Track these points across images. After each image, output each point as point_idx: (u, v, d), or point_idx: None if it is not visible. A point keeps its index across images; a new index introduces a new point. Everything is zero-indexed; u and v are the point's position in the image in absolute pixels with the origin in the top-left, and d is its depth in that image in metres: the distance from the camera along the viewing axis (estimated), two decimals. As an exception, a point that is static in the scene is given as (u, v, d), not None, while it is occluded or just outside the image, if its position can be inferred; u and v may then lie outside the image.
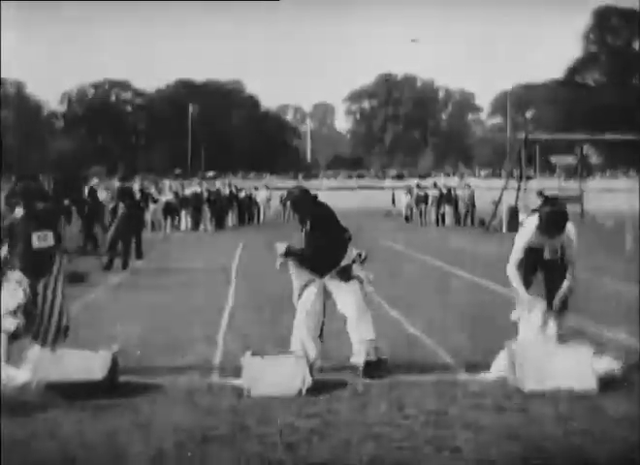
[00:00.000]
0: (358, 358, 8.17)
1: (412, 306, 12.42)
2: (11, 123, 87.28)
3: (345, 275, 8.30)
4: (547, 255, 8.28)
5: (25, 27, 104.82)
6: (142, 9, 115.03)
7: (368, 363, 8.09)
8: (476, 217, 36.82)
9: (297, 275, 8.44)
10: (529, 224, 8.31)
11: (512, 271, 8.25)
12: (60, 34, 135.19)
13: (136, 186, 22.22)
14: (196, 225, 34.65)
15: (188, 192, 36.28)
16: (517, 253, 8.29)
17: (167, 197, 35.32)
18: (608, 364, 7.76)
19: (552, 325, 8.20)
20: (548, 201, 8.33)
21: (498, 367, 8.01)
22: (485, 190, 43.02)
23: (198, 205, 35.06)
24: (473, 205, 37.72)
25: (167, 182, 48.90)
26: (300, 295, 8.36)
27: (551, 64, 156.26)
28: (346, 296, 8.27)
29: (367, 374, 8.03)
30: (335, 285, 8.31)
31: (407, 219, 40.64)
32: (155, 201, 33.56)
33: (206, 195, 35.89)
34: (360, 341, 8.19)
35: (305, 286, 8.34)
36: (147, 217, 30.67)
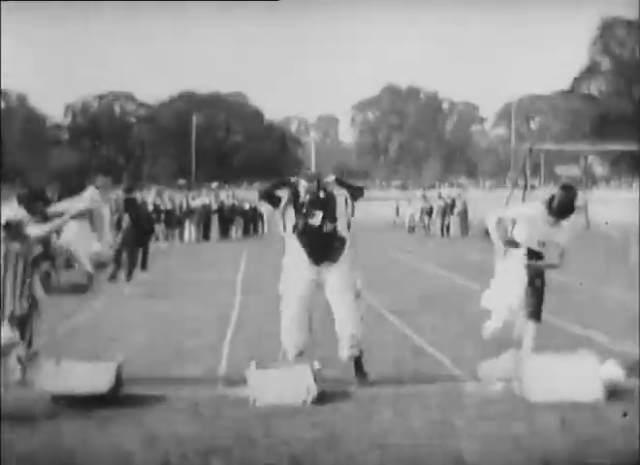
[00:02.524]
0: (342, 353, 8.24)
1: (417, 316, 12.42)
2: (14, 135, 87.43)
3: (336, 255, 8.32)
4: (536, 246, 8.53)
5: (28, 41, 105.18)
6: (144, 21, 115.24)
7: (352, 358, 8.22)
8: (470, 228, 37.02)
9: (290, 262, 8.45)
10: (535, 205, 8.71)
11: (492, 220, 8.69)
12: (63, 46, 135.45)
13: (150, 198, 22.09)
14: (205, 236, 34.72)
15: (197, 203, 36.27)
16: (506, 212, 8.83)
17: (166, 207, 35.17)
18: (614, 374, 7.75)
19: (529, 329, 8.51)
20: (564, 186, 8.65)
21: (496, 367, 8.10)
22: (490, 201, 43.01)
23: (207, 216, 35.15)
24: (465, 216, 37.83)
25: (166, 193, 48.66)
26: (288, 286, 8.40)
27: (555, 75, 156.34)
28: (339, 293, 8.28)
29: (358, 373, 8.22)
30: (329, 277, 8.30)
31: (412, 229, 40.66)
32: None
33: (215, 206, 35.99)
34: (347, 336, 8.22)
35: (294, 276, 8.36)
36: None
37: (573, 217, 8.64)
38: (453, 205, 38.49)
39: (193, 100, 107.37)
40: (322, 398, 7.37)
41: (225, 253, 27.71)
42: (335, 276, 8.29)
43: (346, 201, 8.48)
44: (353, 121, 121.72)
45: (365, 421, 6.81)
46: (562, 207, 8.45)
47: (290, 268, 8.40)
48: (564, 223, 8.56)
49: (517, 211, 8.90)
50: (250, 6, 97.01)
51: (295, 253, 8.37)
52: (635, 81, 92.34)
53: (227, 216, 36.76)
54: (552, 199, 8.49)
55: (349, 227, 8.47)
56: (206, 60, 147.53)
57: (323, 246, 8.28)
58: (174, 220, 34.26)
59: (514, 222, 8.71)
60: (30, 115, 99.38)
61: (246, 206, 39.39)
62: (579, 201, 8.95)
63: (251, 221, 39.23)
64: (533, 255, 8.58)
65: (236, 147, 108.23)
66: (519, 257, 8.58)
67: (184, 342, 10.51)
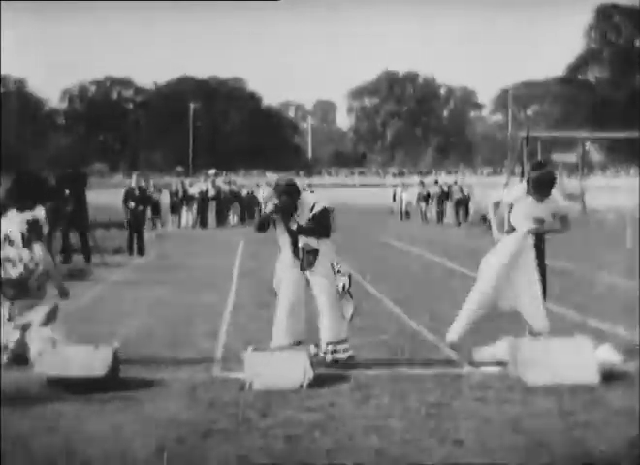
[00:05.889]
0: (328, 356, 8.26)
1: (414, 301, 12.44)
2: (11, 120, 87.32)
3: (312, 257, 8.33)
4: (533, 224, 8.60)
5: (26, 25, 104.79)
6: (143, 6, 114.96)
7: (331, 363, 8.23)
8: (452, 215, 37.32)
9: (282, 260, 8.48)
10: (519, 186, 8.96)
11: (490, 207, 9.01)
12: (61, 32, 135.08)
13: (132, 183, 22.24)
14: (202, 222, 34.72)
15: (194, 189, 36.21)
16: (500, 198, 8.93)
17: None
18: (610, 358, 7.78)
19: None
20: (536, 165, 8.74)
21: (490, 353, 8.14)
22: (486, 187, 43.03)
23: (205, 203, 35.13)
24: (465, 204, 37.91)
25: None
26: (280, 281, 8.44)
27: (553, 61, 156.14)
28: (321, 295, 8.34)
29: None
30: (313, 279, 8.36)
31: (407, 215, 40.74)
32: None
33: (213, 192, 35.93)
34: (326, 341, 8.29)
35: (286, 273, 8.40)
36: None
37: (556, 190, 8.71)
38: (449, 192, 38.52)
39: (191, 85, 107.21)
40: (318, 382, 7.39)
41: (222, 239, 27.72)
42: (317, 280, 8.35)
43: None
44: (350, 107, 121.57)
45: (361, 405, 6.82)
46: (539, 185, 8.55)
47: (282, 267, 8.46)
48: (553, 196, 8.64)
49: (509, 196, 8.89)
50: (251, 4, 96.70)
51: (285, 253, 8.46)
52: (632, 68, 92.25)
53: (224, 202, 36.76)
54: (528, 180, 8.64)
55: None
56: (204, 45, 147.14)
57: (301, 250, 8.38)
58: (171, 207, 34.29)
59: (510, 206, 8.75)
60: (27, 100, 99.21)
61: (243, 193, 39.36)
62: (562, 183, 9.11)
63: (248, 207, 39.18)
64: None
65: (233, 133, 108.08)
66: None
67: (181, 326, 10.52)
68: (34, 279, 8.47)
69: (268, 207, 8.44)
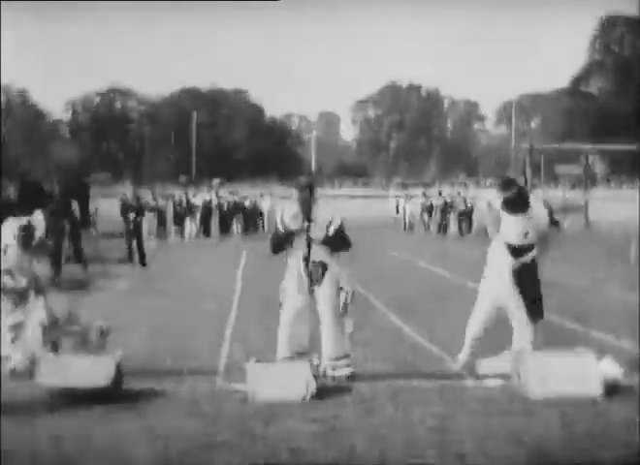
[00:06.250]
0: (328, 372, 8.24)
1: (416, 313, 12.43)
2: (15, 130, 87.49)
3: (321, 272, 8.30)
4: (516, 239, 8.43)
5: (26, 25, 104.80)
6: (143, 6, 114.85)
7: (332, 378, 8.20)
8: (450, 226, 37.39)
9: (289, 272, 8.45)
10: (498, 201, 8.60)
11: (485, 207, 8.86)
12: (61, 32, 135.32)
13: (128, 193, 22.21)
14: (206, 232, 34.69)
15: (197, 200, 36.19)
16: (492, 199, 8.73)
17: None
18: (612, 371, 7.76)
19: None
20: (503, 185, 8.53)
21: (494, 365, 8.13)
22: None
23: (208, 213, 35.10)
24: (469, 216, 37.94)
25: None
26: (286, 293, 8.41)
27: (556, 73, 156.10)
28: (325, 311, 8.31)
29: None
30: (319, 294, 8.32)
31: (411, 226, 40.72)
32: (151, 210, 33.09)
33: (216, 202, 35.91)
34: (328, 357, 8.27)
35: (292, 285, 8.37)
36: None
37: (540, 205, 8.60)
38: (452, 204, 38.53)
39: (194, 96, 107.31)
40: (321, 393, 7.38)
41: (226, 250, 27.71)
42: (322, 296, 8.32)
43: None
44: (354, 118, 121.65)
45: (364, 417, 6.82)
46: (509, 205, 8.36)
47: (288, 279, 8.43)
48: (536, 211, 8.48)
49: (495, 202, 8.74)
50: (251, 4, 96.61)
51: (292, 266, 8.43)
52: (635, 79, 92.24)
53: (227, 213, 36.75)
54: (502, 200, 8.43)
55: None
56: (207, 57, 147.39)
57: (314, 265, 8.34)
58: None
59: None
60: (31, 111, 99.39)
61: (247, 203, 39.35)
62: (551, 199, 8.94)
63: (251, 218, 39.18)
64: (517, 252, 8.52)
65: (236, 144, 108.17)
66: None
67: (184, 337, 10.51)
68: (37, 289, 8.47)
69: (293, 224, 8.39)
